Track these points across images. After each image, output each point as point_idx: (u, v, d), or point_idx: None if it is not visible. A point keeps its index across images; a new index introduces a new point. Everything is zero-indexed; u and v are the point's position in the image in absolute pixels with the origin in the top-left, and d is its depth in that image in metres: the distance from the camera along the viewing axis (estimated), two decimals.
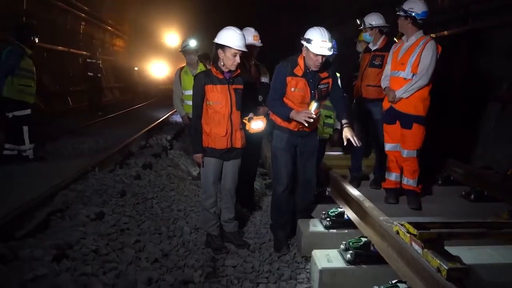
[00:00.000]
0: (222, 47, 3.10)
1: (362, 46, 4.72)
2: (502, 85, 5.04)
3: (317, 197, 3.83)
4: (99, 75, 11.01)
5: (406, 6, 3.53)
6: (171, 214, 4.09)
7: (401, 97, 3.51)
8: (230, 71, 3.19)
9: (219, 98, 3.19)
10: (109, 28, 17.31)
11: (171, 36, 22.47)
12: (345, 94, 3.42)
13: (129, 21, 19.99)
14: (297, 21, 13.03)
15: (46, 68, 10.76)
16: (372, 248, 2.73)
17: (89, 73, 10.88)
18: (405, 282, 2.26)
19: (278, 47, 8.80)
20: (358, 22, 4.42)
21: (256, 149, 4.32)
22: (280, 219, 3.46)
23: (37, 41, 5.58)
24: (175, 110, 6.76)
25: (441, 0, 6.47)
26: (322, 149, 4.12)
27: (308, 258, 3.14)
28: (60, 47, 12.16)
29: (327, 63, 3.19)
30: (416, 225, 2.21)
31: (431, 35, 5.86)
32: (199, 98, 3.23)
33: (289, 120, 3.18)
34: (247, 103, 3.41)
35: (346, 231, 3.23)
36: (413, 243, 2.21)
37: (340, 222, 3.30)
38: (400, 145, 3.65)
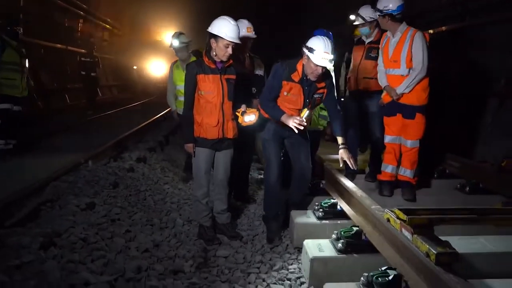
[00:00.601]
0: (215, 37, 3.06)
1: None
2: (500, 81, 5.03)
3: (311, 189, 3.82)
4: (92, 74, 10.80)
5: (380, 6, 3.53)
6: (164, 206, 4.06)
7: (403, 92, 3.50)
8: (222, 61, 3.15)
9: (211, 88, 3.16)
10: (108, 26, 17.32)
11: (170, 34, 22.42)
12: (338, 107, 3.39)
13: (127, 19, 20.00)
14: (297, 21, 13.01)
15: (44, 65, 10.75)
16: (363, 237, 2.71)
17: (82, 72, 10.72)
18: (395, 269, 2.23)
19: (278, 47, 8.76)
20: (353, 17, 4.38)
21: (250, 142, 4.28)
22: (273, 209, 3.43)
23: (21, 31, 5.42)
24: None
25: None
26: (317, 141, 4.10)
27: (300, 249, 3.10)
28: (58, 45, 12.16)
29: (326, 73, 3.16)
30: (406, 211, 2.18)
31: (430, 31, 5.86)
32: (191, 87, 3.20)
33: (279, 122, 3.16)
34: (240, 95, 3.37)
35: (338, 221, 3.20)
36: (403, 229, 2.17)
37: (333, 213, 3.28)
38: (402, 138, 3.63)
